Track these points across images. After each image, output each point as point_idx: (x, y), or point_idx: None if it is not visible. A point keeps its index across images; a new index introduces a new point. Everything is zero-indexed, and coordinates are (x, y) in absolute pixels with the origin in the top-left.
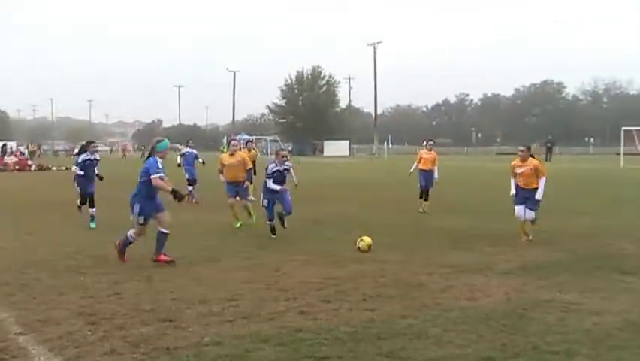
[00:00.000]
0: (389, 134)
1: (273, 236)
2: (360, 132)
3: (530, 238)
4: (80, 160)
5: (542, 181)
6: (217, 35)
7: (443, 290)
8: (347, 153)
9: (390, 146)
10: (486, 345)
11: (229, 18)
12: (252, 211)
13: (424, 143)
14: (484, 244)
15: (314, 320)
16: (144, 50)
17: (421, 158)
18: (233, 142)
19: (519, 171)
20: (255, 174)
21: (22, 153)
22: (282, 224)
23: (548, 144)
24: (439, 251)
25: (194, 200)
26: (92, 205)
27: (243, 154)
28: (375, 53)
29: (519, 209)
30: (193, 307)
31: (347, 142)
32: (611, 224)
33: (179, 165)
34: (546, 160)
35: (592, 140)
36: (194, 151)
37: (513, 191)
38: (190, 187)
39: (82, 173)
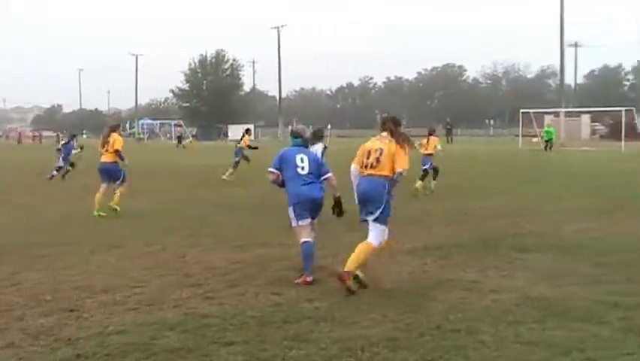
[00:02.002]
0: (294, 118)
1: None
2: (265, 116)
3: None
4: None
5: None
6: (119, 18)
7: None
8: (252, 137)
9: None
10: (391, 325)
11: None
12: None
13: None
14: None
15: (220, 305)
16: (43, 33)
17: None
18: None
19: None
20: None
21: None
22: None
23: (448, 126)
24: (340, 233)
25: (50, 177)
26: None
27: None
28: (279, 36)
29: None
30: (95, 296)
31: (252, 126)
32: (510, 204)
33: (58, 150)
34: (447, 142)
35: (492, 122)
36: (75, 143)
37: None
38: (55, 172)
39: None
